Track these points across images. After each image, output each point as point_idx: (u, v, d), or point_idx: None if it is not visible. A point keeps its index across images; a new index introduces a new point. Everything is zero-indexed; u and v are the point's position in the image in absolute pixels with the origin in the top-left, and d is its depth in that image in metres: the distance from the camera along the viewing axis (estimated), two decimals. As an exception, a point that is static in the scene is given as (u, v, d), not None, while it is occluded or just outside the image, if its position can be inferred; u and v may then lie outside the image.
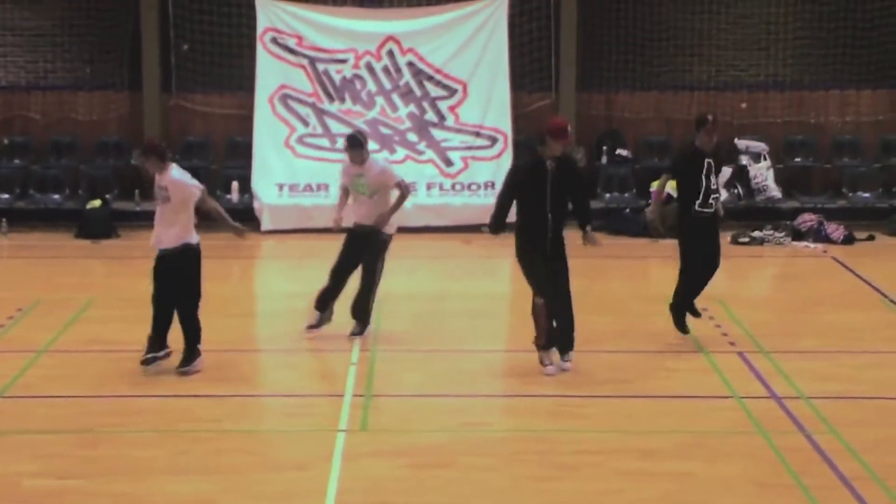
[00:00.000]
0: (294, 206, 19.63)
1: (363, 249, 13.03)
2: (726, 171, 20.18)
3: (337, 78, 20.12)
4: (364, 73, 20.14)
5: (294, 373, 12.44)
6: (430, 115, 20.18)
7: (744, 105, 20.81)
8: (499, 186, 19.57)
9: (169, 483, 9.39)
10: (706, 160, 12.61)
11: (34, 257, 18.28)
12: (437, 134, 20.17)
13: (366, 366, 12.38)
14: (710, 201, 12.63)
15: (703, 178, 12.55)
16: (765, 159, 20.31)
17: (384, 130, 20.09)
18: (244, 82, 20.33)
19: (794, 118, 20.87)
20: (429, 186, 19.91)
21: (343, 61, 20.12)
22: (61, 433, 10.44)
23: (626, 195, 20.01)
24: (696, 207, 12.61)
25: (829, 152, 20.76)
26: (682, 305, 13.07)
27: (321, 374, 12.23)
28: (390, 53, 20.15)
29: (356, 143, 13.03)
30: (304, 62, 20.08)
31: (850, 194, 20.27)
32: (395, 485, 9.39)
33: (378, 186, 13.00)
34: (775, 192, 20.15)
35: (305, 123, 20.12)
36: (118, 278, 16.98)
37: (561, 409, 11.16)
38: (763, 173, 20.16)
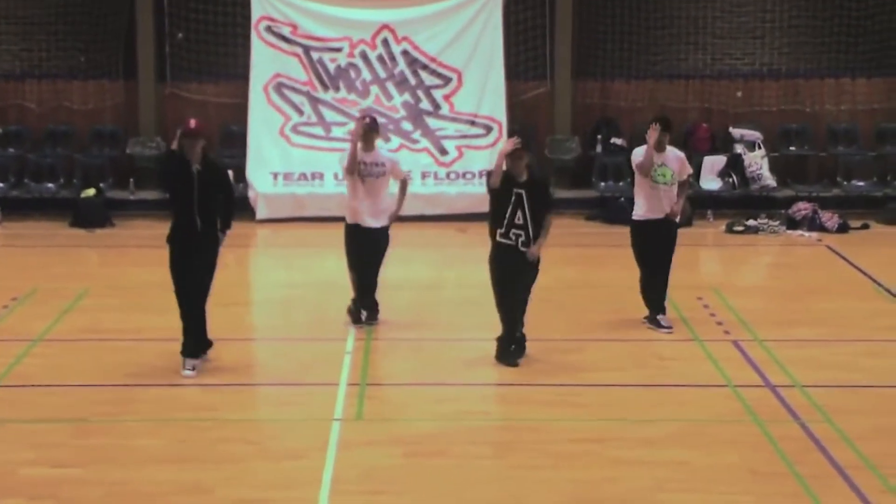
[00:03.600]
0: (289, 195, 19.62)
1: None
2: (721, 160, 20.22)
3: (331, 66, 20.09)
4: (359, 61, 20.12)
5: (289, 362, 12.43)
6: (425, 104, 20.17)
7: (739, 93, 20.81)
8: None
9: (165, 471, 9.40)
10: (514, 190, 11.83)
11: (29, 246, 18.26)
12: (432, 122, 20.16)
13: (360, 355, 12.40)
14: (512, 235, 11.91)
15: (510, 208, 11.87)
16: (759, 148, 20.31)
17: (379, 119, 20.05)
18: (239, 71, 20.29)
19: (790, 107, 20.86)
20: (423, 175, 19.88)
21: (338, 50, 20.09)
22: (57, 422, 10.45)
23: (621, 184, 19.96)
24: (499, 237, 11.98)
25: (824, 141, 20.76)
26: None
27: (316, 363, 12.23)
28: (385, 42, 20.12)
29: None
30: (299, 51, 20.06)
31: (845, 183, 20.27)
32: (389, 473, 9.42)
33: None
34: (770, 180, 20.15)
35: (300, 112, 20.10)
36: (113, 267, 16.97)
37: (555, 398, 11.18)
38: (758, 162, 20.16)
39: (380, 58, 20.11)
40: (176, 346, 12.01)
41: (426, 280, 16.09)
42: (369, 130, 13.01)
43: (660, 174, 13.11)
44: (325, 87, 20.11)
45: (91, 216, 19.19)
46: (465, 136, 20.12)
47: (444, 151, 20.11)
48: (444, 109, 20.15)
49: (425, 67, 20.12)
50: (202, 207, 11.47)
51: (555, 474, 9.40)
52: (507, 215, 11.86)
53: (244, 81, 20.10)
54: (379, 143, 13.42)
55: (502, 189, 11.82)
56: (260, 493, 9.07)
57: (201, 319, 11.76)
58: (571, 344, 12.60)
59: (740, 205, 19.81)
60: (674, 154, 13.27)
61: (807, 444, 9.97)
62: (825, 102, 20.81)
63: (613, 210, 19.23)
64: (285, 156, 19.95)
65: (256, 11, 19.98)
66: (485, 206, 19.25)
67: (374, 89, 20.12)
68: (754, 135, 20.40)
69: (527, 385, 11.55)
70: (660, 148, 13.15)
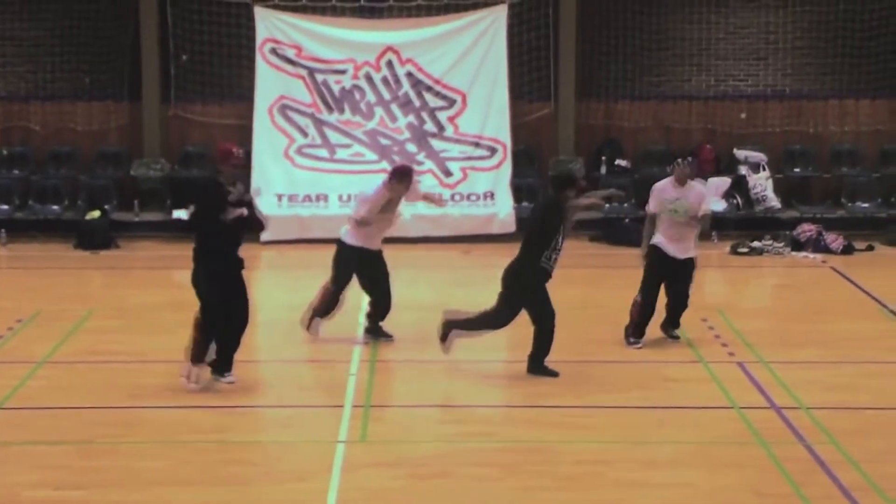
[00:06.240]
0: (293, 217, 19.63)
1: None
2: (725, 181, 20.22)
3: (336, 88, 20.13)
4: (363, 83, 20.16)
5: (293, 383, 12.44)
6: (430, 126, 20.19)
7: (743, 115, 20.84)
8: (499, 196, 19.82)
9: (170, 494, 9.38)
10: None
11: (33, 268, 18.27)
12: (437, 144, 20.18)
13: (365, 376, 12.39)
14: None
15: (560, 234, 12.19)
16: (764, 169, 20.32)
17: (383, 141, 20.11)
18: (243, 92, 20.34)
19: (794, 128, 20.89)
20: (428, 197, 19.88)
21: (342, 72, 20.14)
22: (61, 444, 10.43)
23: (626, 205, 19.99)
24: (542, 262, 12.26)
25: (828, 162, 20.77)
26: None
27: (321, 384, 12.23)
28: (389, 64, 20.16)
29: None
30: (303, 73, 20.11)
31: (850, 204, 20.28)
32: (394, 495, 9.39)
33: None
34: (774, 202, 20.16)
35: (304, 134, 20.13)
36: (117, 289, 16.98)
37: (561, 419, 11.16)
38: (762, 183, 20.17)
39: (384, 80, 20.15)
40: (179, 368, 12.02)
41: (430, 301, 16.04)
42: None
43: (672, 209, 13.17)
44: (330, 109, 20.15)
45: (95, 238, 19.21)
46: (469, 158, 20.15)
47: (448, 173, 20.12)
48: (449, 131, 20.18)
49: (429, 89, 20.16)
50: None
51: (561, 496, 9.37)
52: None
53: (249, 103, 20.15)
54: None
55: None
56: (264, 515, 9.07)
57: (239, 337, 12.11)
58: (576, 366, 12.58)
59: (745, 226, 19.81)
60: (695, 190, 13.32)
61: (812, 466, 9.94)
62: (829, 123, 20.83)
63: (618, 231, 19.24)
64: (290, 178, 19.98)
65: (261, 33, 20.04)
66: (488, 228, 19.59)
67: (379, 111, 20.16)
68: (758, 156, 20.41)
69: (532, 406, 11.54)
70: (682, 182, 13.21)
